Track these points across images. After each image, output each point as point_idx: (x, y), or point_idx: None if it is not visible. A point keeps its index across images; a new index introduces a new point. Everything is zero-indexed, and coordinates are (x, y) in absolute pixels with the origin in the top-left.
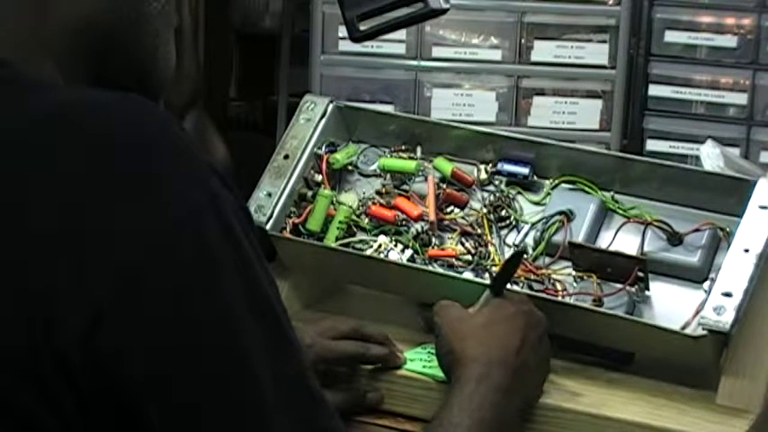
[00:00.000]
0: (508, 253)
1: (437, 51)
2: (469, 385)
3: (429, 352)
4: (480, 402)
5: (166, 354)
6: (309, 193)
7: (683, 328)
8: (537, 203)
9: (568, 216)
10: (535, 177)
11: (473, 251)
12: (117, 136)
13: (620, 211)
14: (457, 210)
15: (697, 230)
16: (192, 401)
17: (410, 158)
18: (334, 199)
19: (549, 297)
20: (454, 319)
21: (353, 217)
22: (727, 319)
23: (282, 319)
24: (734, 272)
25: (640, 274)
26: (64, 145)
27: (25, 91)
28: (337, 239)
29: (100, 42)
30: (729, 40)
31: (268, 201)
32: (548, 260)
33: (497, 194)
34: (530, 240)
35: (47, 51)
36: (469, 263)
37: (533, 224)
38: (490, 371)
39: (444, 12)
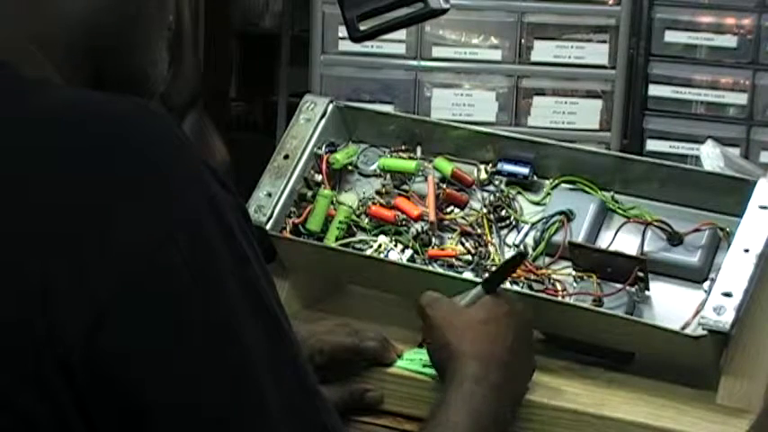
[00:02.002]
0: (508, 253)
1: (437, 51)
2: (468, 383)
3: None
4: (479, 401)
5: (166, 355)
6: (309, 193)
7: (683, 328)
8: (537, 203)
9: (568, 216)
10: (535, 177)
11: (473, 251)
12: (117, 137)
13: (620, 211)
14: (457, 210)
15: (697, 230)
16: (193, 402)
17: (410, 158)
18: (334, 199)
19: (549, 297)
20: (449, 313)
21: (353, 217)
22: (727, 319)
23: (281, 319)
24: (734, 272)
25: (640, 274)
26: (64, 146)
27: (25, 92)
28: (337, 239)
29: (99, 43)
30: (729, 40)
31: (268, 201)
32: (548, 260)
33: (497, 194)
34: (530, 240)
35: (46, 51)
36: (469, 263)
37: (533, 224)
38: (488, 370)
39: (444, 12)
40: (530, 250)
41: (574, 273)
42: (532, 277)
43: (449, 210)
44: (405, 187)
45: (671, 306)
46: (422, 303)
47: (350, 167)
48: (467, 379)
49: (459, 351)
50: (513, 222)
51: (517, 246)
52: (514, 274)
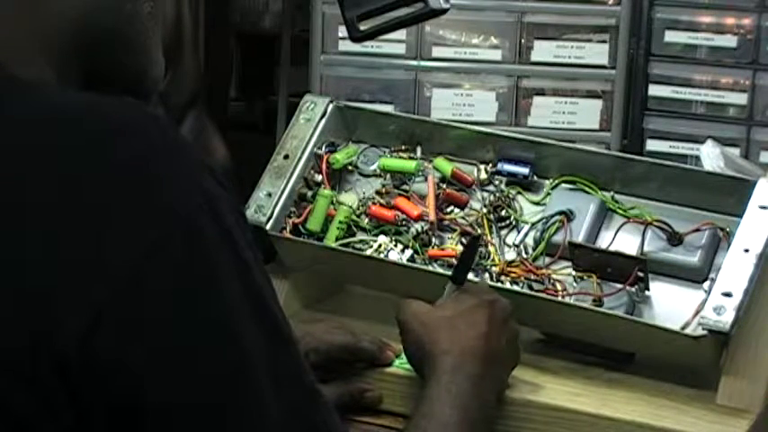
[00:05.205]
0: (508, 253)
1: (437, 51)
2: (445, 376)
3: None
4: (457, 392)
5: (164, 354)
6: (309, 193)
7: (683, 328)
8: (537, 203)
9: (568, 216)
10: (535, 177)
11: None
12: (115, 138)
13: (620, 211)
14: (457, 210)
15: (697, 230)
16: (190, 402)
17: (410, 158)
18: (334, 199)
19: (549, 297)
20: (419, 314)
21: (353, 217)
22: (727, 319)
23: (280, 319)
24: (734, 272)
25: (640, 274)
26: (62, 146)
27: (22, 93)
28: (337, 239)
29: (94, 42)
30: (729, 40)
31: (268, 201)
32: (548, 260)
33: (497, 194)
34: (530, 240)
35: (42, 51)
36: None
37: (533, 224)
38: (463, 361)
39: (444, 12)
40: (530, 250)
41: (574, 273)
42: (532, 277)
43: (449, 210)
44: (405, 187)
45: (671, 306)
46: (397, 309)
47: (350, 167)
48: (445, 372)
49: (432, 349)
50: (513, 222)
51: (517, 246)
52: (513, 274)
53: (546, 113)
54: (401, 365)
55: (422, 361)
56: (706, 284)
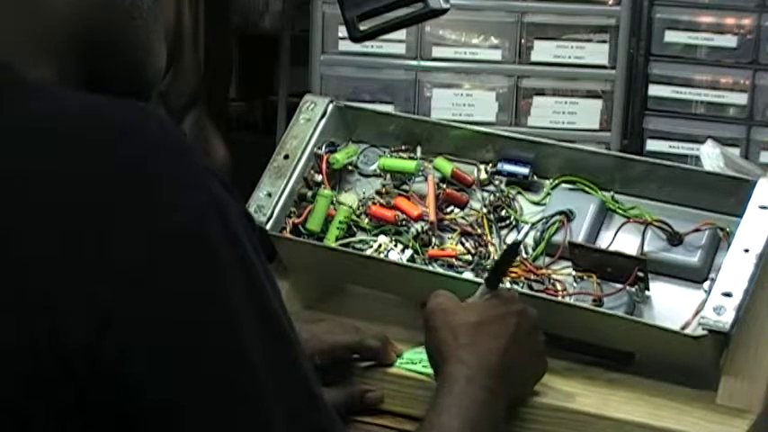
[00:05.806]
0: None
1: (437, 51)
2: (458, 387)
3: None
4: (468, 404)
5: (167, 354)
6: (309, 193)
7: (683, 328)
8: (537, 203)
9: (568, 216)
10: (535, 177)
11: (473, 251)
12: (118, 139)
13: (620, 211)
14: (457, 210)
15: (697, 230)
16: (192, 403)
17: (410, 158)
18: (334, 199)
19: (549, 297)
20: (447, 311)
21: (353, 217)
22: (727, 319)
23: (284, 321)
24: (734, 272)
25: (640, 274)
26: (65, 147)
27: (26, 95)
28: (337, 239)
29: (94, 39)
30: (729, 40)
31: (268, 201)
32: (548, 260)
33: (497, 194)
34: (530, 240)
35: (43, 50)
36: (469, 263)
37: (533, 224)
38: (478, 374)
39: (444, 12)
40: (530, 250)
41: (574, 273)
42: (532, 277)
43: (449, 210)
44: (405, 187)
45: (671, 306)
46: (430, 299)
47: (350, 167)
48: (458, 381)
49: (451, 355)
50: (513, 222)
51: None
52: (513, 274)
53: (546, 113)
54: (402, 365)
55: (438, 362)
56: (706, 284)
